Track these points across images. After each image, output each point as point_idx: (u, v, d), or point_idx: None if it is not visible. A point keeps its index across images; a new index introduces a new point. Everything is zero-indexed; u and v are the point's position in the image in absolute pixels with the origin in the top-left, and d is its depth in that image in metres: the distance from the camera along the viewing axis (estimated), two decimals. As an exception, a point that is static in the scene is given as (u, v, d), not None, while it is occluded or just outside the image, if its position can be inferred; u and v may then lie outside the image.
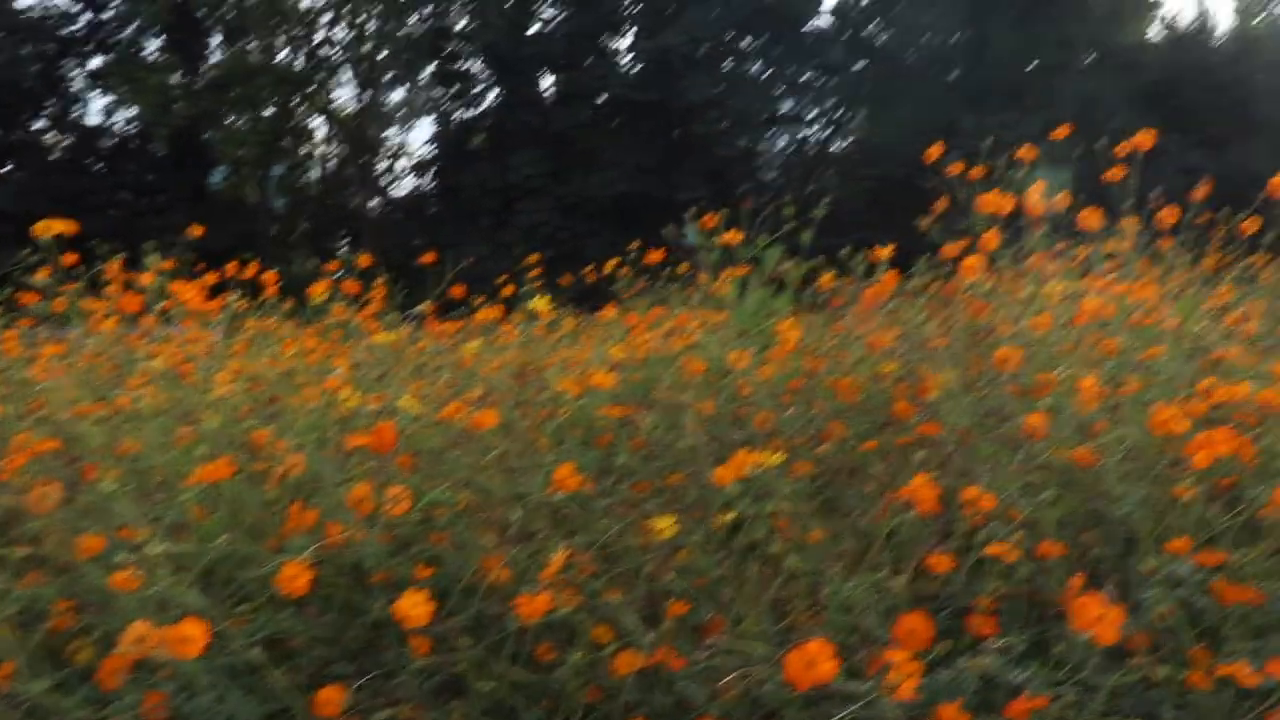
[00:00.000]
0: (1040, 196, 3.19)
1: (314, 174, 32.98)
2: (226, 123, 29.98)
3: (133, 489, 2.35)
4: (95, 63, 30.76)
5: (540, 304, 3.18)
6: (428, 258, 4.70)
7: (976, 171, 3.39)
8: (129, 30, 30.08)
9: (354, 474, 2.40)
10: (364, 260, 4.91)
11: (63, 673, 2.01)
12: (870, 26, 31.96)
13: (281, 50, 31.09)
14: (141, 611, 1.89)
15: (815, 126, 33.01)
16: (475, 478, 2.44)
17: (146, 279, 3.89)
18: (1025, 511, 2.21)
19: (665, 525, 2.14)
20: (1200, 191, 3.59)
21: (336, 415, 2.76)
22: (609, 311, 4.48)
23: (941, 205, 3.52)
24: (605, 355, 3.22)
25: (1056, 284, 3.19)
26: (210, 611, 1.85)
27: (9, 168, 29.79)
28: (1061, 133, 3.65)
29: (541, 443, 2.70)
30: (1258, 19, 32.72)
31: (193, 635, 1.58)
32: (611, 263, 4.87)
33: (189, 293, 2.72)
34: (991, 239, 3.15)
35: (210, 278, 4.59)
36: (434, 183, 32.08)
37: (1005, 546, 2.03)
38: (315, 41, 31.14)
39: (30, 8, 30.28)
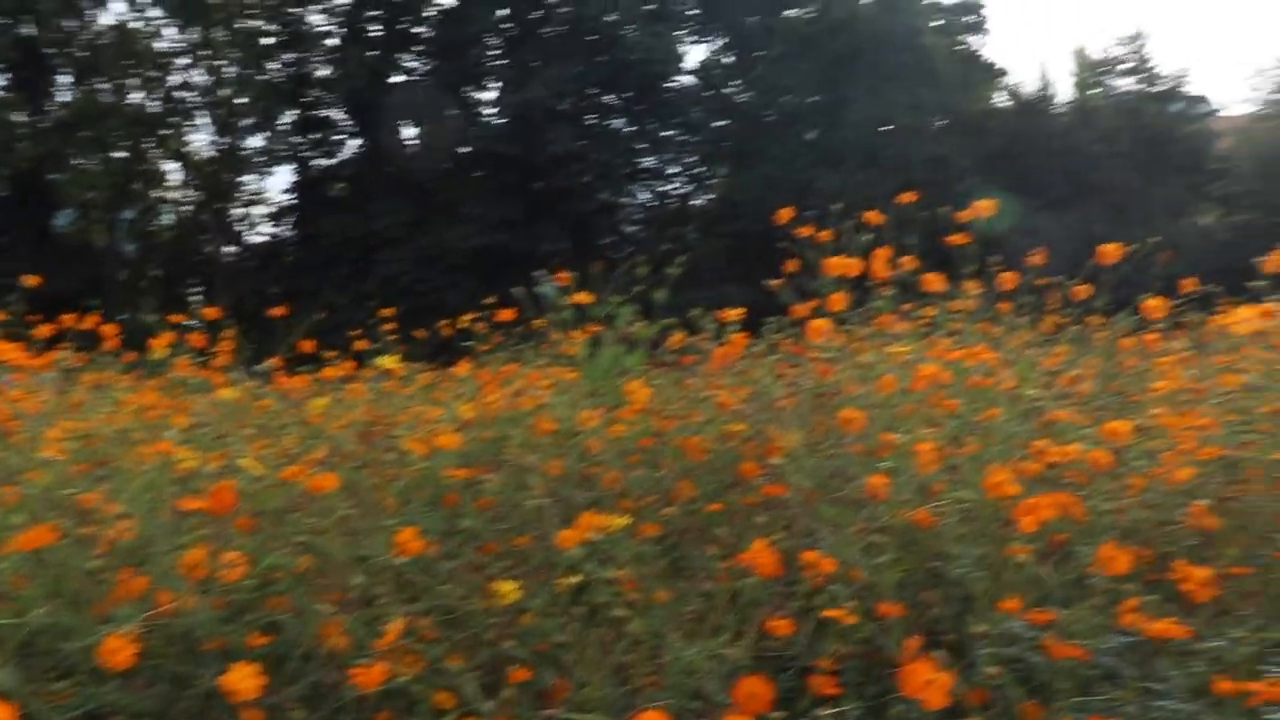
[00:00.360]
0: (886, 259, 3.30)
1: (166, 219, 32.02)
2: (75, 164, 28.95)
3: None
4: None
5: (390, 361, 3.14)
6: (280, 310, 4.60)
7: (825, 234, 3.48)
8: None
9: (189, 538, 2.32)
10: (212, 312, 4.78)
11: None
12: (730, 85, 32.66)
13: (134, 92, 30.20)
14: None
15: (676, 182, 33.47)
16: (316, 541, 2.38)
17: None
18: (866, 573, 2.26)
19: (508, 589, 2.12)
20: (1038, 256, 3.74)
21: (173, 476, 2.67)
22: (463, 367, 4.45)
23: (792, 265, 3.59)
24: (455, 414, 3.19)
25: (900, 346, 3.29)
26: (23, 689, 1.75)
27: None
28: (909, 197, 3.77)
29: (387, 503, 2.66)
30: (1093, 90, 34.49)
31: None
32: (467, 317, 4.84)
33: (12, 352, 2.60)
34: (838, 300, 3.23)
35: (46, 329, 4.41)
36: (292, 231, 31.47)
37: (844, 609, 2.06)
38: (171, 84, 30.36)
39: None
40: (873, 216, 3.49)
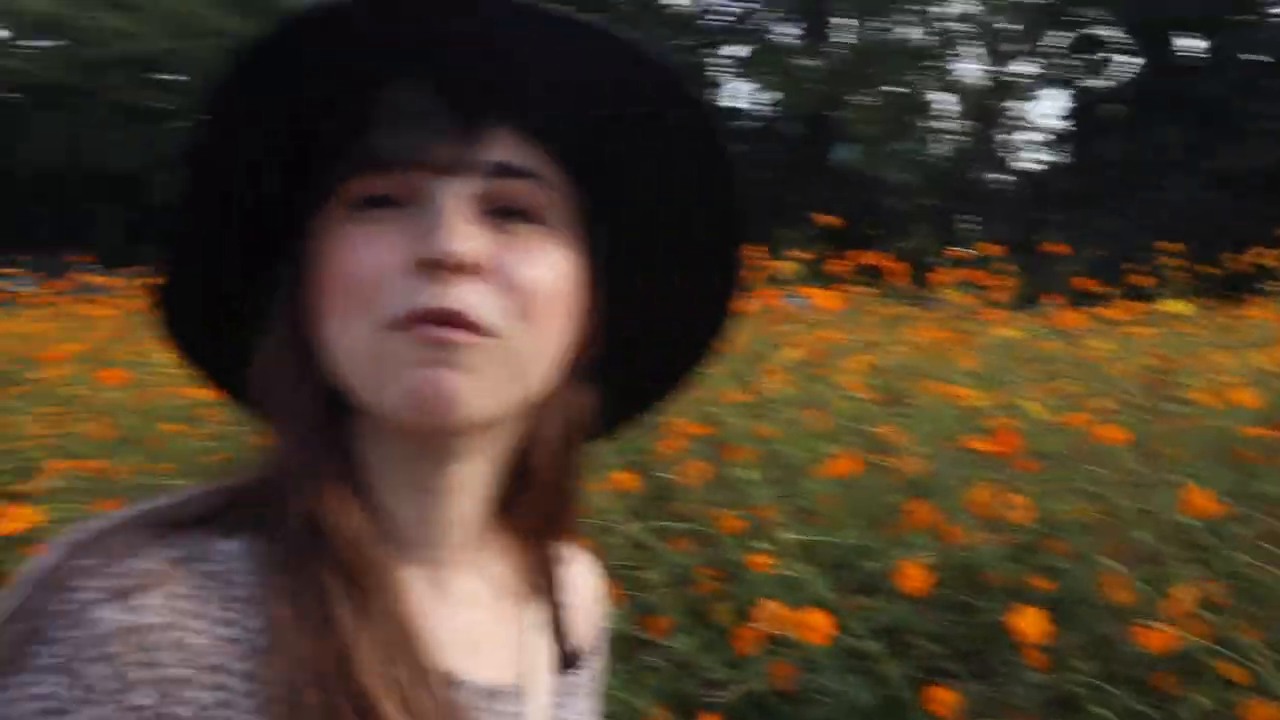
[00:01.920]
0: None
1: (939, 149, 33.14)
2: (855, 101, 31.06)
3: (767, 472, 2.57)
4: (738, 50, 33.27)
5: (1178, 305, 2.98)
6: (1057, 247, 4.58)
7: None
8: (769, 19, 32.16)
9: (974, 475, 2.43)
10: (988, 248, 4.88)
11: (706, 633, 2.26)
12: None
13: (907, 27, 31.51)
14: (773, 590, 2.08)
15: None
16: (1100, 490, 2.36)
17: (785, 265, 4.19)
18: None
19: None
20: None
21: (959, 413, 2.80)
22: (1259, 308, 4.07)
23: None
24: (1248, 363, 2.94)
25: None
26: (834, 600, 1.98)
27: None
28: None
29: (1174, 456, 2.55)
30: None
31: (818, 624, 1.72)
32: (1261, 249, 4.42)
33: (820, 295, 2.88)
34: None
35: (837, 264, 4.82)
36: (1066, 158, 30.76)
37: None
38: (941, 15, 31.21)
39: (675, 4, 33.40)
40: None
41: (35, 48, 38.79)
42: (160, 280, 0.74)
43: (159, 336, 0.77)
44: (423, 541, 0.73)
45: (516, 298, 0.66)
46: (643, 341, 0.80)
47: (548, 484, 0.77)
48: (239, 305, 0.74)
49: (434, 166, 0.66)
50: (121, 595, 0.60)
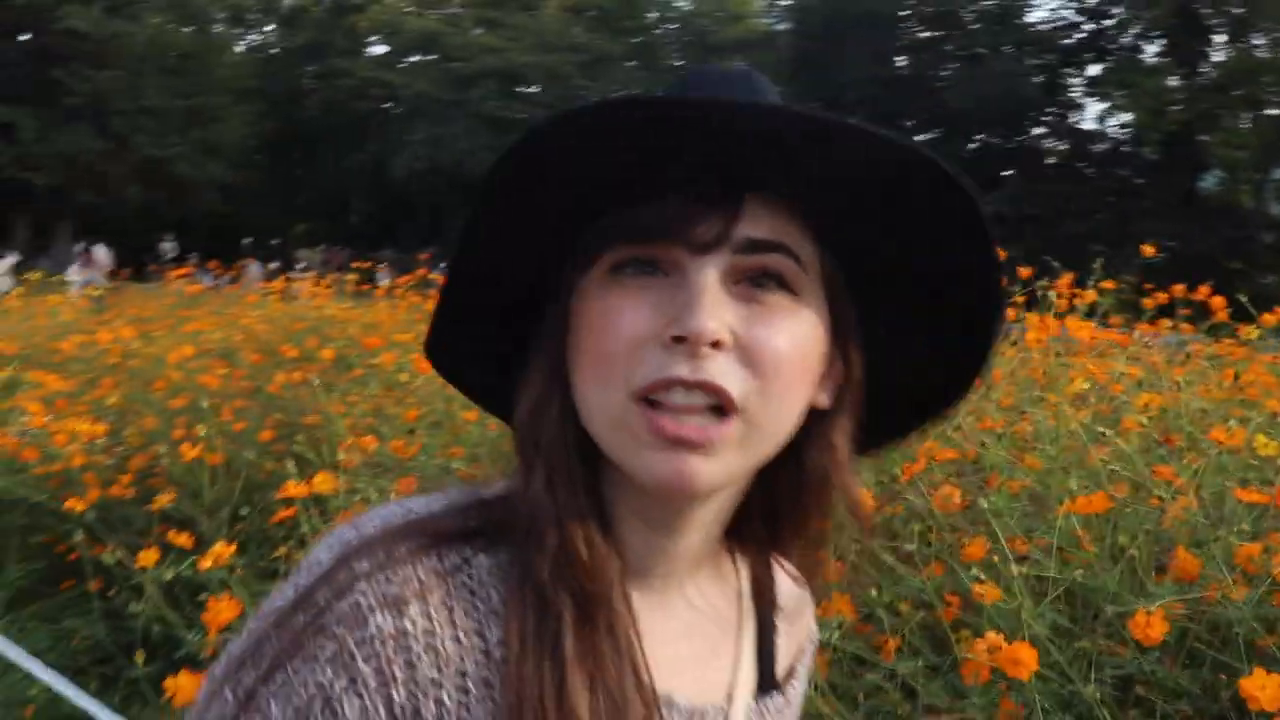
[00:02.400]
0: None
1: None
2: (1224, 124, 28.79)
3: (1022, 504, 2.50)
4: (1093, 70, 31.67)
5: None
6: None
7: None
8: (1128, 36, 30.36)
9: (1247, 528, 2.27)
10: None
11: (938, 659, 2.24)
12: None
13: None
14: (1006, 622, 2.04)
15: None
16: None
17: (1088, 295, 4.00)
18: None
19: None
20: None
21: (1246, 461, 2.62)
22: None
23: None
24: None
25: None
26: (1058, 638, 1.93)
27: (1010, 172, 32.06)
28: None
29: None
30: None
31: (1024, 658, 1.69)
32: None
33: (1083, 330, 2.76)
34: None
35: (1161, 296, 4.54)
36: None
37: None
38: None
39: (1037, 21, 32.14)
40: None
41: (410, 63, 42.15)
42: (440, 314, 0.84)
43: (431, 360, 0.88)
44: (651, 571, 0.81)
45: (758, 368, 0.72)
46: (898, 393, 0.86)
47: (793, 517, 0.84)
48: (504, 348, 0.83)
49: (690, 243, 0.72)
50: (394, 604, 0.70)
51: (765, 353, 0.72)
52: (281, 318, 6.94)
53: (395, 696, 0.68)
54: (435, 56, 40.72)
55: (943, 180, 0.72)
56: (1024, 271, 4.13)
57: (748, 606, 0.88)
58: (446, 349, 0.86)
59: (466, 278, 0.81)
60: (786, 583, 0.92)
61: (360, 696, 0.68)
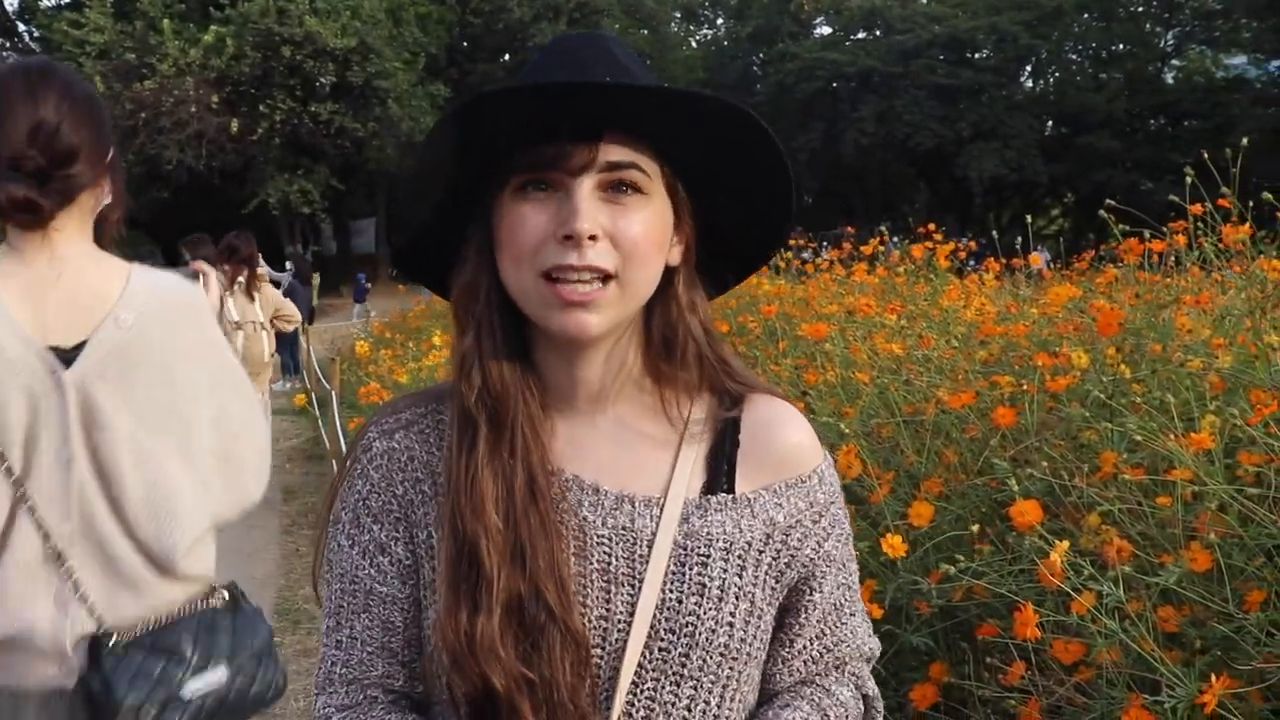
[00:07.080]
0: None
1: None
2: None
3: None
4: None
5: None
6: None
7: None
8: None
9: None
10: None
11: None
12: None
13: None
14: None
15: None
16: None
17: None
18: None
19: None
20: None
21: None
22: None
23: None
24: None
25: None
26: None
27: None
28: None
29: None
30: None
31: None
32: None
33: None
34: None
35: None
36: None
37: None
38: None
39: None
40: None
41: (855, 40, 42.07)
42: (397, 231, 1.23)
43: (399, 267, 1.24)
44: (575, 397, 1.13)
45: (623, 248, 1.04)
46: (724, 253, 1.19)
47: (684, 352, 1.15)
48: (448, 245, 1.14)
49: (570, 169, 1.03)
50: (388, 434, 1.14)
51: (626, 238, 1.04)
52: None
53: (396, 490, 1.12)
54: (878, 32, 40.63)
55: (737, 113, 1.06)
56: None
57: (696, 431, 1.16)
58: (409, 260, 1.20)
59: (420, 199, 1.14)
60: (767, 413, 1.20)
61: (378, 492, 1.12)
